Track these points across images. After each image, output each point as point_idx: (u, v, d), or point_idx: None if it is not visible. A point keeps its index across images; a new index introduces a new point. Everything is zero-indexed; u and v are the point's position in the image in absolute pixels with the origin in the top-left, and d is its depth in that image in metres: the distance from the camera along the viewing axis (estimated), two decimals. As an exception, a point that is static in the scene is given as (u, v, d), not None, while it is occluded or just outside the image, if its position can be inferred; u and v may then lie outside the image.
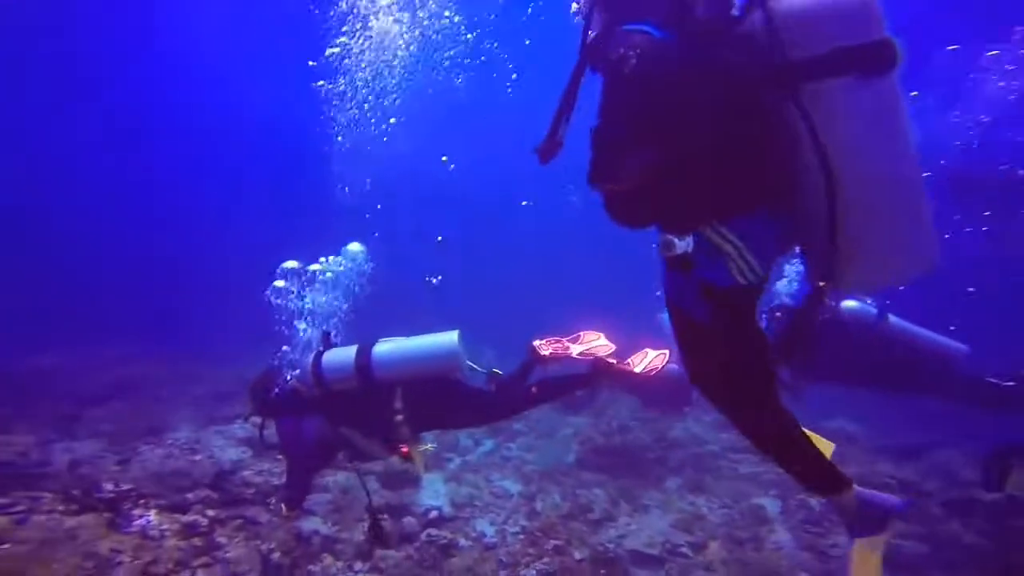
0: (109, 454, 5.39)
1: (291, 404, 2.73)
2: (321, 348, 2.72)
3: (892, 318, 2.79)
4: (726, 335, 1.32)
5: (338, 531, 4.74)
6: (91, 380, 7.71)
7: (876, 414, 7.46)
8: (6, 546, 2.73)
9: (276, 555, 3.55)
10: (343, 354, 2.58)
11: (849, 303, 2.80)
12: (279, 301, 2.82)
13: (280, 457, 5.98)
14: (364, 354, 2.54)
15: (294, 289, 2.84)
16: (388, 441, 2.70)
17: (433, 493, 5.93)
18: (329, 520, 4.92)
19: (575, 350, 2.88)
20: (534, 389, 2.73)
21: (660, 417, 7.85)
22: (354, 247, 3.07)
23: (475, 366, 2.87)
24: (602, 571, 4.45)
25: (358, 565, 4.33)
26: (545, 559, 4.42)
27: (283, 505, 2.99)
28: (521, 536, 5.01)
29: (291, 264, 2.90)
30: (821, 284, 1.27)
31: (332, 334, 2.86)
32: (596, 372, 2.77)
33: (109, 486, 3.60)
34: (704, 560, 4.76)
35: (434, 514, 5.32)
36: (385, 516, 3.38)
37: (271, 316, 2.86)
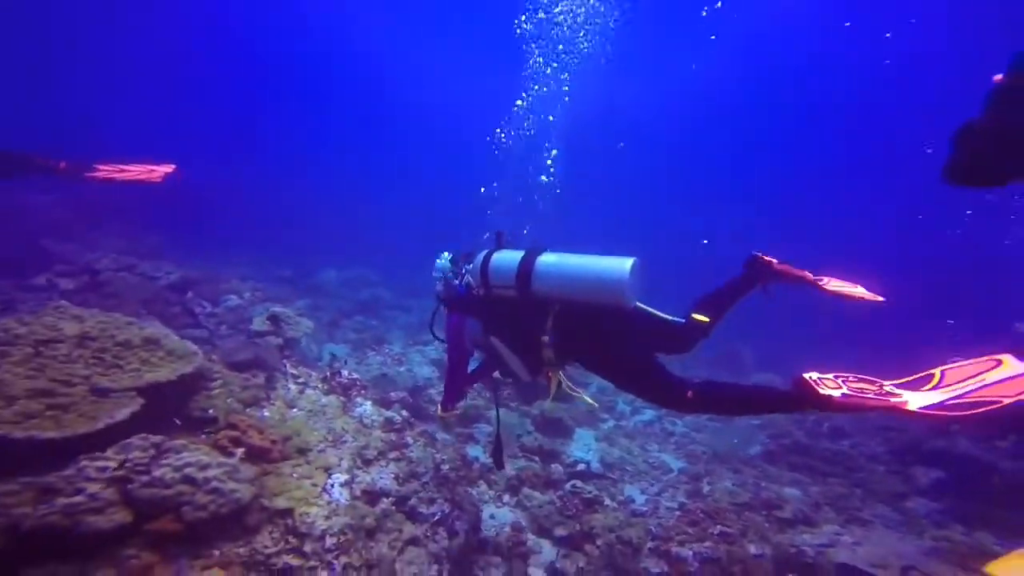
0: (351, 354, 7.12)
1: (463, 300, 2.59)
2: (495, 248, 2.48)
3: None
4: None
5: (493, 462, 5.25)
6: (348, 298, 10.21)
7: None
8: (295, 411, 3.83)
9: (446, 467, 4.13)
10: (510, 257, 2.31)
11: None
12: None
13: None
14: (528, 261, 2.24)
15: None
16: (531, 362, 2.39)
17: (584, 447, 6.03)
18: (489, 451, 5.48)
19: (832, 284, 2.23)
20: (689, 393, 1.98)
21: (901, 425, 6.25)
22: None
23: (652, 311, 2.35)
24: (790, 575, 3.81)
25: (506, 497, 4.75)
26: (707, 543, 4.01)
27: (439, 406, 3.01)
28: (678, 512, 4.69)
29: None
30: None
31: (506, 234, 2.59)
32: (811, 395, 1.65)
33: (345, 373, 4.73)
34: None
35: (582, 467, 5.42)
36: (503, 443, 3.22)
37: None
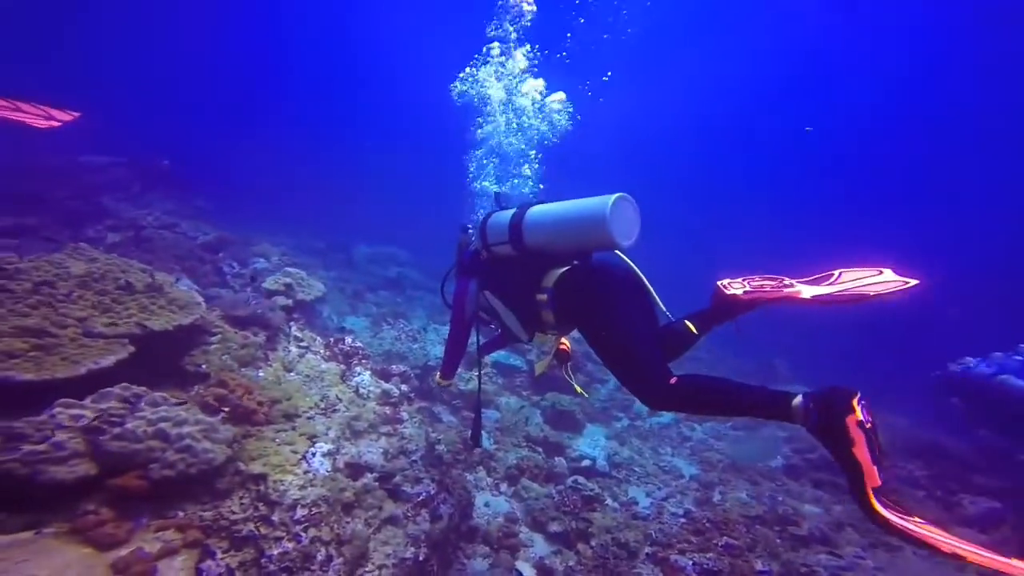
0: (368, 328, 7.04)
1: (469, 264, 2.51)
2: (495, 208, 2.39)
3: None
4: None
5: (496, 449, 4.97)
6: (378, 275, 10.22)
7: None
8: (291, 375, 3.71)
9: (441, 447, 3.91)
10: (505, 214, 2.21)
11: None
12: None
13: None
14: (518, 214, 2.13)
15: None
16: (528, 320, 2.25)
17: (591, 443, 5.70)
18: (492, 437, 5.20)
19: (808, 292, 1.67)
20: (674, 380, 1.67)
21: (946, 451, 5.72)
22: None
23: (655, 295, 1.97)
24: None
25: (504, 486, 4.50)
26: (710, 553, 3.67)
27: (438, 374, 2.91)
28: (682, 519, 4.35)
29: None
30: None
31: (504, 195, 2.48)
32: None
33: (348, 340, 4.59)
34: None
35: (587, 463, 5.11)
36: (482, 422, 2.99)
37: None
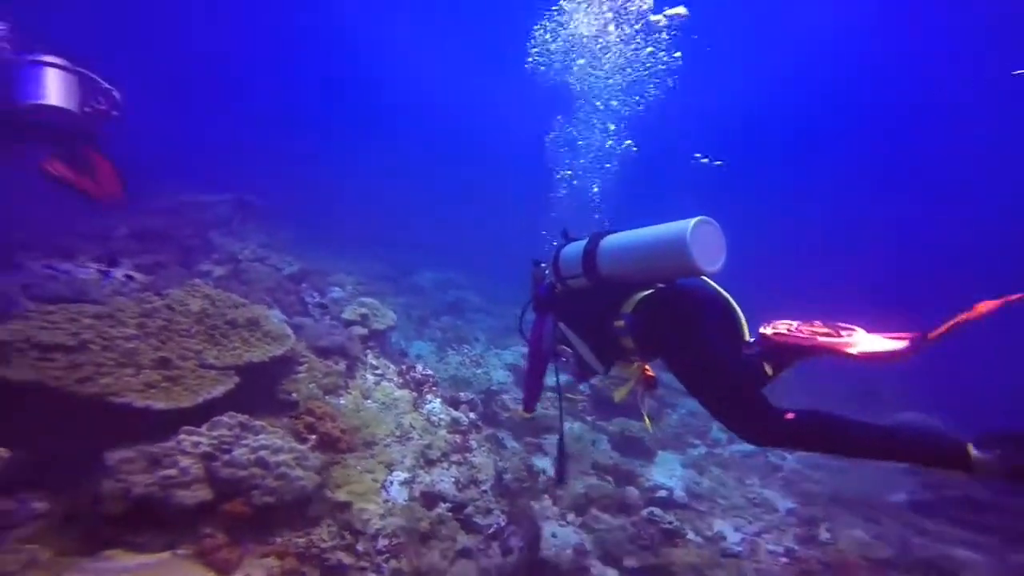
0: (434, 352, 7.24)
1: (545, 299, 2.48)
2: (565, 243, 2.33)
3: None
4: None
5: (556, 475, 4.86)
6: (438, 299, 10.58)
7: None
8: (368, 402, 3.88)
9: (508, 476, 3.86)
10: (578, 245, 2.15)
11: None
12: None
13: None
14: (592, 243, 2.07)
15: None
16: (603, 350, 2.14)
17: (667, 472, 5.33)
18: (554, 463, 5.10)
19: (856, 342, 1.49)
20: (790, 416, 1.47)
21: None
22: None
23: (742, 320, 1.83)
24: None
25: (571, 516, 4.33)
26: None
27: (520, 407, 2.86)
28: (783, 558, 3.92)
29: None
30: None
31: (570, 232, 2.44)
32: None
33: (419, 367, 4.73)
34: None
35: (663, 493, 4.76)
36: (570, 454, 2.87)
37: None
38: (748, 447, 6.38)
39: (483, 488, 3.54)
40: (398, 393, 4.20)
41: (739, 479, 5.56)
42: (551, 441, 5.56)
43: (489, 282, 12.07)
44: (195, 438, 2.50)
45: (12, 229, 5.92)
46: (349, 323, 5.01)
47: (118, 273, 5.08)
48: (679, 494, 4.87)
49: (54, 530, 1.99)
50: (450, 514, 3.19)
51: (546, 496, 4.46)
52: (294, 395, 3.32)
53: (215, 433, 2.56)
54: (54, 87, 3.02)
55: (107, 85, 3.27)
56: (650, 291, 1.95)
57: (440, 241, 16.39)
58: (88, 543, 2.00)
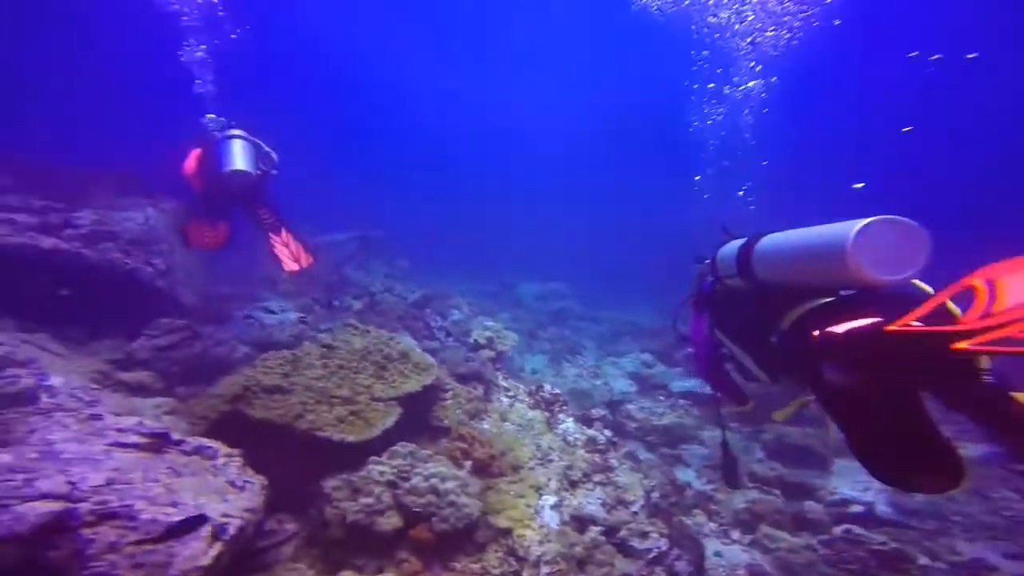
0: (549, 366, 7.30)
1: (704, 297, 2.33)
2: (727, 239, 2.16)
3: None
4: None
5: (712, 490, 4.46)
6: (542, 311, 10.69)
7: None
8: (507, 424, 4.04)
9: (656, 495, 3.68)
10: (736, 244, 1.98)
11: None
12: None
13: (661, 397, 6.43)
14: (749, 242, 1.87)
15: None
16: (765, 361, 1.91)
17: (854, 483, 4.56)
18: (704, 476, 4.71)
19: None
20: None
21: None
22: None
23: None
24: None
25: (736, 533, 3.95)
26: None
27: (731, 407, 2.60)
28: None
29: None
30: None
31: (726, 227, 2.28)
32: None
33: (547, 387, 4.78)
34: None
35: (857, 508, 4.14)
36: (736, 456, 2.56)
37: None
38: (977, 451, 5.08)
39: (633, 509, 3.42)
40: (531, 414, 4.29)
41: (979, 491, 4.44)
42: (692, 451, 5.19)
43: (589, 289, 11.88)
44: (380, 467, 2.84)
45: (220, 282, 7.51)
46: (478, 347, 5.30)
47: (292, 316, 6.12)
48: (883, 509, 4.13)
49: (301, 549, 2.42)
50: (603, 538, 3.13)
51: (698, 511, 4.14)
52: (445, 421, 3.60)
53: (395, 463, 2.88)
54: (239, 155, 3.67)
55: (267, 148, 3.96)
56: (816, 304, 1.59)
57: (536, 252, 16.66)
58: (327, 563, 2.39)
